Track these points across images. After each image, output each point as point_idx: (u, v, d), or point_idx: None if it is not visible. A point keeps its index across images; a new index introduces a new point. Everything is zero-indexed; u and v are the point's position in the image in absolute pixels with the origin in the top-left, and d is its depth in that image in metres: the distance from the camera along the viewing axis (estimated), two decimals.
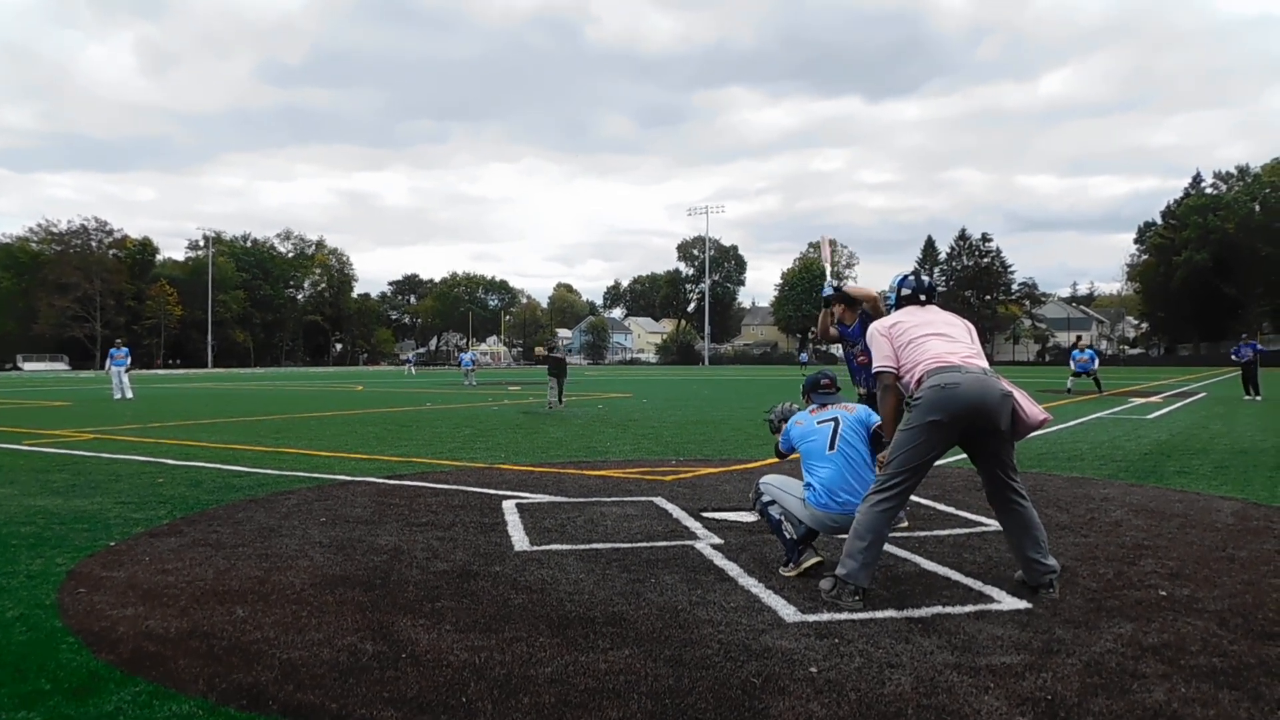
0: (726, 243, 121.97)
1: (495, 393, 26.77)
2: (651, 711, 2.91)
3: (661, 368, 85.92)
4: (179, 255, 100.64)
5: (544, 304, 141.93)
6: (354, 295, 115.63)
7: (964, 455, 4.47)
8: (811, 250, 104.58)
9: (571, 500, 6.96)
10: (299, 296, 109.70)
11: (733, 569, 4.74)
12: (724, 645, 3.54)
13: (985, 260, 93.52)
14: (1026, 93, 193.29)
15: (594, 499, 7.00)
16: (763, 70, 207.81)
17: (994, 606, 4.06)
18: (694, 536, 5.58)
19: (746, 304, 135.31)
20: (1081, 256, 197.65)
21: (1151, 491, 7.44)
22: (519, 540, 5.48)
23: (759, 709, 2.92)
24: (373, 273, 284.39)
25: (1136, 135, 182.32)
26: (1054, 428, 12.97)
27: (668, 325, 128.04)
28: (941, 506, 6.61)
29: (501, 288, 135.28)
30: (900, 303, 4.72)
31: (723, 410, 18.56)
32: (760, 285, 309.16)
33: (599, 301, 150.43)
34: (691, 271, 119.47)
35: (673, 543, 5.39)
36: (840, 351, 6.59)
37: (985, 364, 4.25)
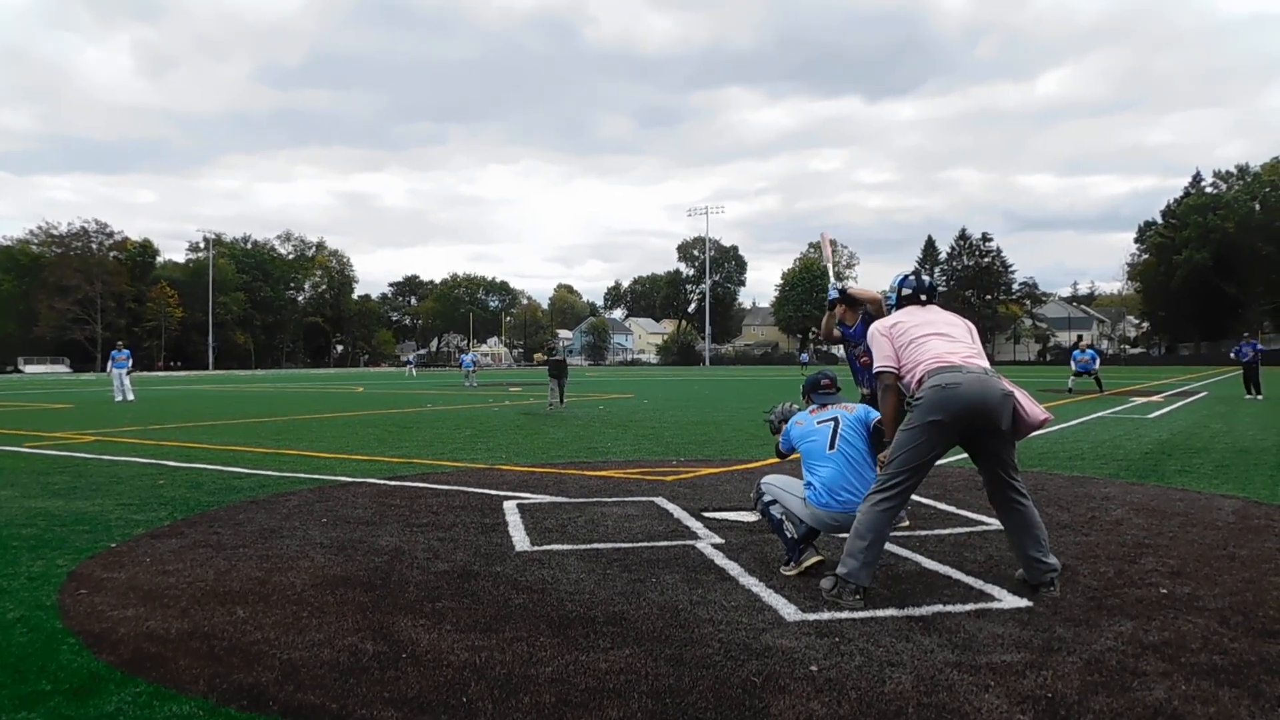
0: (726, 243, 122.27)
1: (496, 394, 26.77)
2: (652, 711, 2.91)
3: (662, 368, 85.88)
4: (179, 257, 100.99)
5: (544, 305, 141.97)
6: (354, 297, 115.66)
7: (965, 454, 4.47)
8: (812, 250, 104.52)
9: (572, 500, 6.96)
10: (299, 298, 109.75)
11: (733, 568, 4.74)
12: (725, 644, 3.54)
13: (986, 260, 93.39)
14: (1024, 92, 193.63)
15: (595, 499, 7.00)
16: (761, 70, 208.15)
17: (995, 605, 4.06)
18: (695, 536, 5.58)
19: (747, 304, 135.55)
20: (1080, 256, 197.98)
21: (1152, 490, 7.44)
22: (520, 540, 5.48)
23: (759, 708, 2.92)
24: (373, 274, 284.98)
25: (1134, 135, 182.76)
26: (1055, 427, 12.97)
27: (668, 326, 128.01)
28: (942, 505, 6.61)
29: (502, 289, 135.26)
30: (901, 303, 4.72)
31: (723, 411, 18.55)
32: (760, 285, 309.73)
33: (599, 302, 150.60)
34: (692, 272, 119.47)
35: (673, 542, 5.39)
36: (842, 352, 6.58)
37: (986, 364, 4.25)
